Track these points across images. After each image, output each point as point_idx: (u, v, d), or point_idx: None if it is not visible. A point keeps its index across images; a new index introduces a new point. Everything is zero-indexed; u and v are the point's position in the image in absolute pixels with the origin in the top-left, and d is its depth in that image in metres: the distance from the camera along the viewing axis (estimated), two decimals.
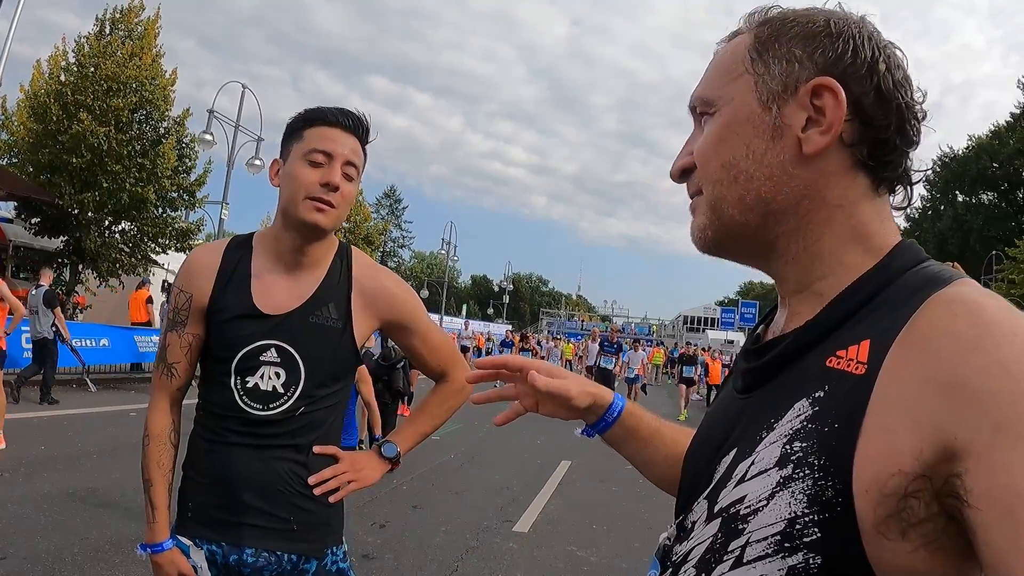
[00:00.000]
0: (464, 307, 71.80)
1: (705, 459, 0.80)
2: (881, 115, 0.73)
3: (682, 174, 0.84)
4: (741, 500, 0.69)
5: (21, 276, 19.59)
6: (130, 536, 4.77)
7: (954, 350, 0.59)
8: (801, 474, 0.64)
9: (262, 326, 1.66)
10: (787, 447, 0.66)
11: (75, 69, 17.62)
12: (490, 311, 69.70)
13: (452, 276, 58.02)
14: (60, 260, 19.19)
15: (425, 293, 49.84)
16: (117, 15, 18.60)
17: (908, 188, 0.78)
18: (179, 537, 1.66)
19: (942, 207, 44.17)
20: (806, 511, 0.63)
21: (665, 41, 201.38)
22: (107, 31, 18.40)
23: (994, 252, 23.88)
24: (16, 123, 18.01)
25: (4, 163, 17.45)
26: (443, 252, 41.95)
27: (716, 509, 0.73)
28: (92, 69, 17.48)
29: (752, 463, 0.70)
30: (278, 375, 1.65)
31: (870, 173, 0.74)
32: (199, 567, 1.63)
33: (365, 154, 1.73)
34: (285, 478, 1.65)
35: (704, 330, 71.81)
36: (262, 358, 1.65)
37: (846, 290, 0.72)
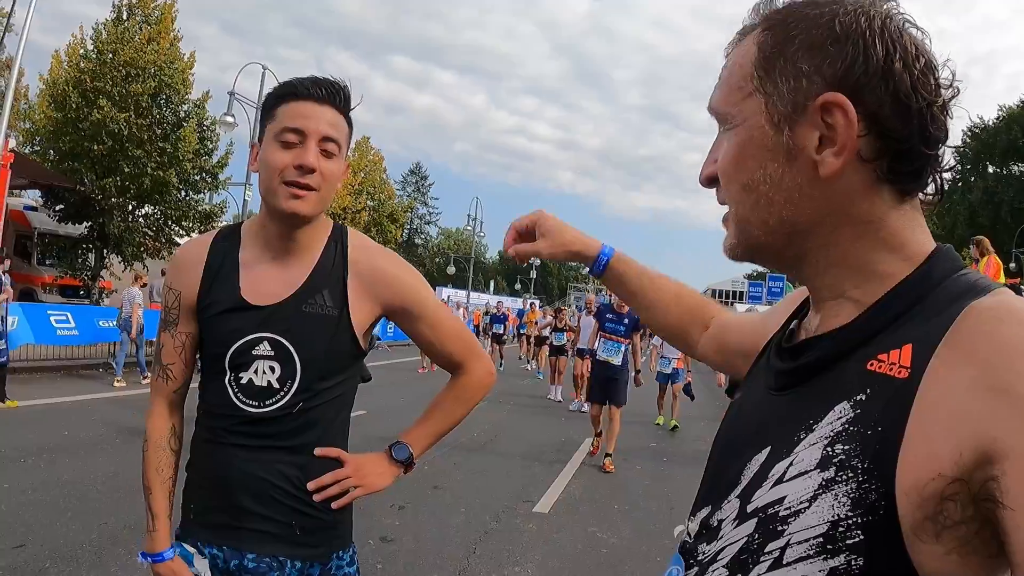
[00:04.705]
0: (492, 283, 71.45)
1: (733, 455, 0.79)
2: (900, 125, 0.69)
3: (710, 181, 0.83)
4: (780, 501, 0.69)
5: (47, 263, 19.85)
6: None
7: (999, 355, 0.58)
8: (844, 477, 0.63)
9: (252, 319, 1.57)
10: (828, 449, 0.66)
11: (93, 56, 17.71)
12: (518, 286, 69.34)
13: (480, 252, 57.89)
14: (85, 246, 19.42)
15: (452, 269, 49.89)
16: (134, 1, 18.63)
17: (939, 179, 0.74)
18: (183, 544, 1.59)
19: (972, 179, 43.20)
20: (849, 514, 0.62)
21: (686, 14, 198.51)
22: (124, 17, 18.45)
23: None
24: (38, 112, 18.18)
25: (26, 152, 17.61)
26: (469, 228, 41.78)
27: (751, 509, 0.72)
28: (110, 55, 17.57)
29: (791, 464, 0.69)
30: (272, 369, 1.56)
31: (894, 184, 0.71)
32: None
33: (350, 123, 1.61)
34: (284, 481, 1.56)
35: (732, 304, 71.18)
36: (255, 352, 1.56)
37: (887, 295, 0.71)
